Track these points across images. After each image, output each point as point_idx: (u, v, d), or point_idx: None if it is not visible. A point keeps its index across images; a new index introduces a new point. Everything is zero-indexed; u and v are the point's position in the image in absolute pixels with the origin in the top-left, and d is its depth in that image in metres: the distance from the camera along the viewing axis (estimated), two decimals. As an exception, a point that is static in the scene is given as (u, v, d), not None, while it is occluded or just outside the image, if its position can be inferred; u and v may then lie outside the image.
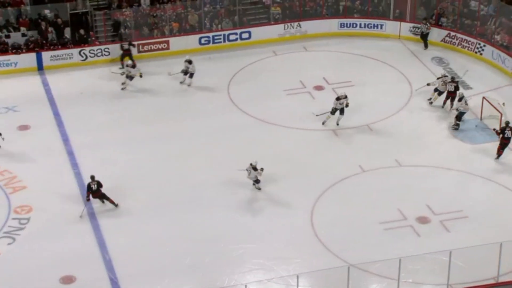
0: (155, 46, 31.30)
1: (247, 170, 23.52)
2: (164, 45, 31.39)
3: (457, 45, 31.17)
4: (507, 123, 24.79)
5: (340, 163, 25.09)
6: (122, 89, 28.76)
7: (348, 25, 32.52)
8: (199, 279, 20.76)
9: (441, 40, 31.50)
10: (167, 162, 25.30)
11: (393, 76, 29.82)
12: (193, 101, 28.57)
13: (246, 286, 19.36)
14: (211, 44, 31.72)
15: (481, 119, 26.79)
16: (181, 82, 29.16)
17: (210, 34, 31.67)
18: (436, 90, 27.62)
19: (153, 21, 31.38)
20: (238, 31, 31.87)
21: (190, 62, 28.89)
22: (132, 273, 21.02)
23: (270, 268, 21.18)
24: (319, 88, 29.26)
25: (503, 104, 26.65)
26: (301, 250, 21.83)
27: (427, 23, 31.23)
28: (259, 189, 23.77)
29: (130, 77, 28.80)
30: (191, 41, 31.54)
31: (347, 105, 26.45)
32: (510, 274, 20.18)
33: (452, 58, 30.74)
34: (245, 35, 31.96)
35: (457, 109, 26.41)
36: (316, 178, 24.41)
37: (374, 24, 32.38)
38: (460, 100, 26.50)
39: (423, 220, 22.68)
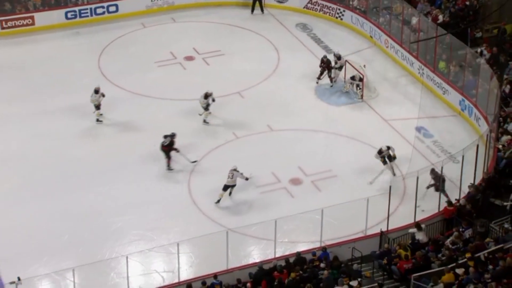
0: (19, 22, 29.91)
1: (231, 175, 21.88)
2: (29, 21, 30.05)
3: (319, 11, 31.67)
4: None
5: (214, 131, 25.04)
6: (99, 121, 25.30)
7: (218, -6, 32.33)
8: (80, 254, 20.26)
9: (304, 7, 31.90)
10: (39, 140, 24.41)
11: (261, 44, 29.96)
12: (64, 77, 27.59)
13: (127, 257, 19.04)
14: (78, 19, 30.67)
15: (344, 81, 27.40)
16: None
17: (77, 8, 30.62)
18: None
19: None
20: (105, 4, 30.99)
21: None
22: (9, 254, 20.20)
23: (150, 238, 20.98)
24: (189, 58, 28.98)
25: (364, 66, 27.40)
26: (180, 218, 21.74)
27: None
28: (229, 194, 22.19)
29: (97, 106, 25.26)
30: (57, 15, 30.39)
31: (394, 157, 22.90)
32: (377, 227, 20.91)
33: (315, 24, 31.21)
34: (112, 8, 31.11)
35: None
36: (191, 147, 24.26)
37: (240, -6, 32.36)
38: None
39: (296, 181, 23.06)
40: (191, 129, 25.09)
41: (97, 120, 25.14)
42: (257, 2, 31.63)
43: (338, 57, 27.10)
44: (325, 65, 27.15)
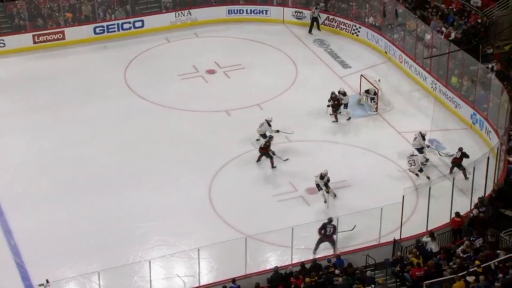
0: (51, 37, 30.18)
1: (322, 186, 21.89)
2: (60, 36, 30.31)
3: (336, 28, 31.65)
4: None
5: (234, 141, 25.04)
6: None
7: (236, 12, 32.39)
8: (105, 258, 20.30)
9: (321, 23, 31.87)
10: (69, 147, 24.58)
11: (279, 58, 29.97)
12: (92, 88, 27.79)
13: (150, 262, 19.04)
14: (105, 34, 30.88)
15: (360, 94, 27.27)
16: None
17: (104, 24, 30.84)
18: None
19: (48, 12, 30.17)
20: (131, 20, 31.20)
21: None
22: (39, 257, 20.35)
23: (172, 244, 20.98)
24: (211, 72, 29.05)
25: (379, 80, 27.30)
26: (201, 224, 21.72)
27: (317, 8, 31.31)
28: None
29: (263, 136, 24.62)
30: (86, 31, 30.64)
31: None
32: (390, 235, 20.76)
33: (332, 40, 31.17)
34: (138, 24, 31.32)
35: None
36: (212, 156, 24.29)
37: (259, 10, 32.40)
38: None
39: (312, 190, 22.94)
40: (212, 139, 25.11)
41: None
42: (315, 23, 31.25)
43: (344, 94, 26.12)
44: (334, 100, 25.93)
